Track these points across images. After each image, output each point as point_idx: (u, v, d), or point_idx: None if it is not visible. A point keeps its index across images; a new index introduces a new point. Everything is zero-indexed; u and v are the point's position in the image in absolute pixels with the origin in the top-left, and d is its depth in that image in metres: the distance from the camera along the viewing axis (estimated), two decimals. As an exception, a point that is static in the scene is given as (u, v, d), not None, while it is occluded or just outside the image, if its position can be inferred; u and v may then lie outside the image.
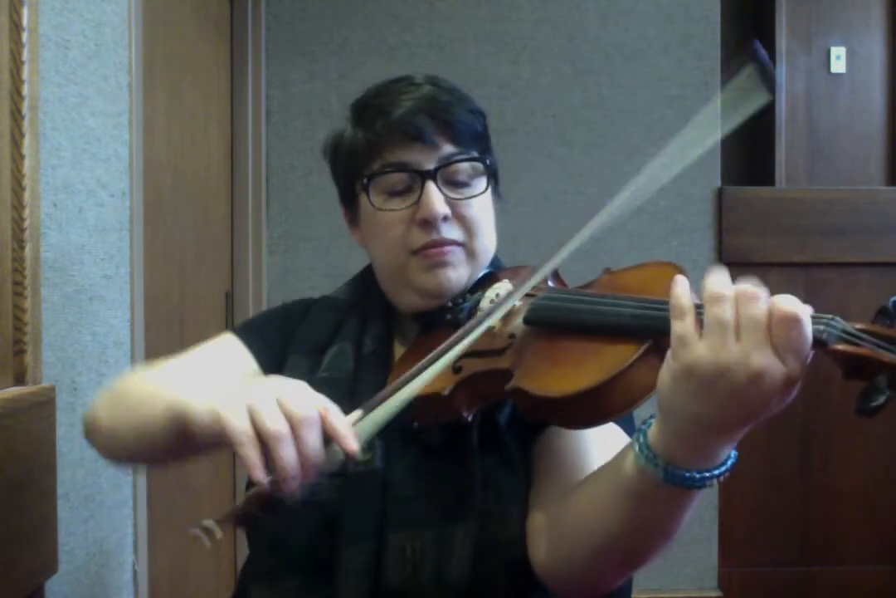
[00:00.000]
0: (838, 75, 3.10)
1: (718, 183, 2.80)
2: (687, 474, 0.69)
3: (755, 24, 3.21)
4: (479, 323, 0.84)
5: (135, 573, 1.52)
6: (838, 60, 3.09)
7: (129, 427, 0.90)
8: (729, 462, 0.71)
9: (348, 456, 0.73)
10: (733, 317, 0.65)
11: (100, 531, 1.36)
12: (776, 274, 2.83)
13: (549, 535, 0.85)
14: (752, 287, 0.65)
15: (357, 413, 0.78)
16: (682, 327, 0.67)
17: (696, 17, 2.76)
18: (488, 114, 1.05)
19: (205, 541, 0.75)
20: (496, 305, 0.88)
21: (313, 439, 0.71)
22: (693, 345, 0.65)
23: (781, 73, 3.06)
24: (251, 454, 0.70)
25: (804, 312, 0.64)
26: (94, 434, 0.97)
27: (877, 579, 2.84)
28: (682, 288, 0.68)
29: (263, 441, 0.70)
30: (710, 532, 2.73)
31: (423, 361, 0.82)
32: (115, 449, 0.96)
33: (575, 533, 0.81)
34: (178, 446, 0.85)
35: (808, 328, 0.63)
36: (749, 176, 3.18)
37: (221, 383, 0.84)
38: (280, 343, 1.04)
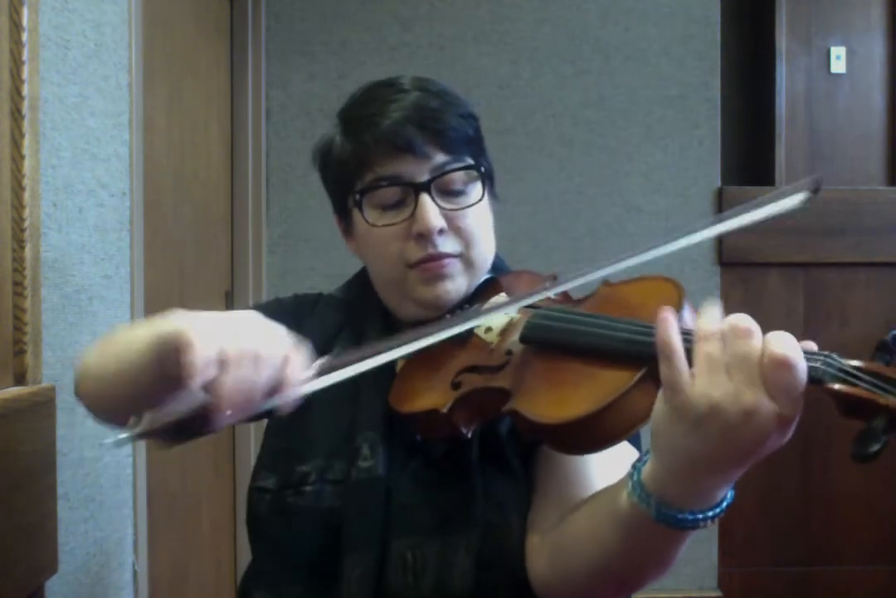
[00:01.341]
0: (838, 75, 3.10)
1: (718, 183, 2.80)
2: (679, 516, 0.68)
3: (755, 24, 3.21)
4: (470, 319, 0.85)
5: (135, 573, 1.52)
6: (838, 60, 3.09)
7: (115, 360, 0.84)
8: (724, 504, 0.69)
9: (281, 408, 0.71)
10: (723, 354, 0.64)
11: (100, 531, 1.36)
12: (776, 274, 2.83)
13: (547, 553, 0.85)
14: (742, 323, 0.64)
15: (320, 362, 0.76)
16: (670, 367, 0.66)
17: (696, 17, 2.76)
18: (488, 114, 1.04)
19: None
20: (492, 308, 0.88)
21: (260, 381, 0.69)
22: (684, 384, 0.64)
23: (781, 73, 3.05)
24: (199, 358, 0.66)
25: (797, 354, 0.62)
26: (83, 384, 0.93)
27: (877, 579, 2.84)
28: (667, 327, 0.67)
29: (218, 361, 0.67)
30: (710, 532, 2.74)
31: (410, 336, 0.82)
32: (100, 393, 0.90)
33: (572, 554, 0.81)
34: (159, 376, 0.78)
35: (802, 371, 0.62)
36: (749, 176, 3.18)
37: None
38: (293, 324, 1.03)
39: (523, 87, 2.74)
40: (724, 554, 2.77)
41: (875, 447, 0.58)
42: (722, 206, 2.78)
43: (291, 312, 1.07)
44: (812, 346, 0.65)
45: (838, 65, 3.09)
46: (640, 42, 2.75)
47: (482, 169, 0.98)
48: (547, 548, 0.85)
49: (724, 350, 0.64)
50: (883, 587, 2.83)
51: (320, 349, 1.01)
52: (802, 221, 2.82)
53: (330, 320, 1.05)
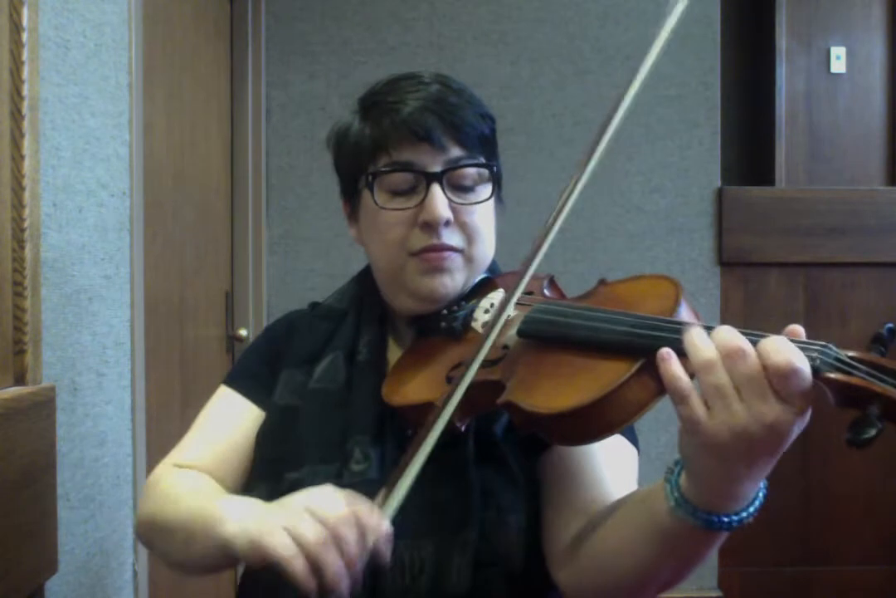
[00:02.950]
0: (838, 75, 3.10)
1: (718, 183, 2.80)
2: (726, 519, 0.69)
3: (755, 24, 3.21)
4: (478, 354, 0.84)
5: (135, 573, 1.52)
6: (838, 60, 3.09)
7: (185, 558, 0.92)
8: (761, 494, 0.71)
9: (383, 541, 0.75)
10: (727, 380, 0.64)
11: (100, 531, 1.36)
12: (776, 274, 2.83)
13: (574, 563, 0.85)
14: (730, 342, 0.64)
15: (382, 492, 0.79)
16: (687, 410, 0.66)
17: (696, 17, 2.76)
18: (492, 114, 1.05)
19: None
20: (491, 325, 0.87)
21: (352, 539, 0.73)
22: (704, 421, 0.65)
23: (781, 73, 3.06)
24: (300, 569, 0.72)
25: (798, 357, 0.63)
26: (151, 549, 1.01)
27: (877, 579, 2.84)
28: (675, 368, 0.67)
29: (307, 554, 0.72)
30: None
31: (431, 420, 0.81)
32: (170, 565, 0.99)
33: (605, 568, 0.81)
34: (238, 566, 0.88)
35: (807, 370, 0.63)
36: (749, 176, 3.18)
37: (250, 503, 0.85)
38: (270, 373, 1.05)
39: (523, 87, 2.74)
40: (724, 554, 2.77)
41: (871, 433, 0.59)
42: (722, 206, 2.78)
43: (265, 353, 1.08)
44: (801, 332, 0.66)
45: (838, 65, 3.09)
46: (640, 42, 2.75)
47: (494, 169, 0.99)
48: (574, 557, 0.85)
49: (727, 376, 0.64)
50: (883, 587, 2.83)
51: (309, 362, 1.02)
52: (802, 221, 2.82)
53: (317, 332, 1.05)
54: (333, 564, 0.72)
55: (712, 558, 2.75)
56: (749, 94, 3.22)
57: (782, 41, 3.05)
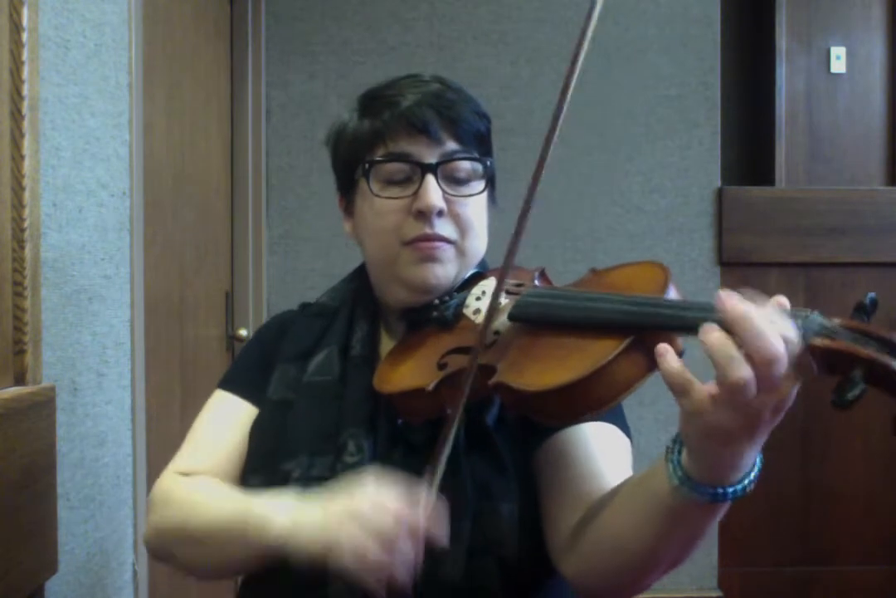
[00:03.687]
0: (838, 75, 3.10)
1: (718, 183, 2.80)
2: (730, 490, 0.70)
3: (755, 24, 3.21)
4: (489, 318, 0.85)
5: (135, 573, 1.52)
6: (838, 60, 3.09)
7: (216, 564, 0.96)
8: (758, 460, 0.72)
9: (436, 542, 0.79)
10: (753, 382, 0.63)
11: (100, 531, 1.36)
12: (776, 274, 2.83)
13: (577, 552, 0.85)
14: (769, 350, 0.62)
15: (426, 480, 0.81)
16: (689, 402, 0.66)
17: (696, 17, 2.76)
18: (488, 114, 1.05)
19: None
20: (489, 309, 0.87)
21: (411, 554, 0.77)
22: (709, 413, 0.65)
23: (781, 73, 3.06)
24: (378, 587, 0.78)
25: (789, 329, 0.64)
26: (169, 560, 1.04)
27: (877, 579, 2.84)
28: (673, 363, 0.67)
29: (375, 559, 0.77)
30: (711, 532, 2.73)
31: (446, 429, 0.82)
32: (195, 573, 1.05)
33: (608, 554, 0.81)
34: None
35: (795, 337, 0.63)
36: (749, 176, 3.18)
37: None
38: (263, 373, 1.05)
39: (523, 87, 2.74)
40: (724, 554, 2.77)
41: (855, 392, 0.60)
42: (722, 206, 2.78)
43: (258, 355, 1.09)
44: (786, 303, 0.67)
45: (838, 65, 3.09)
46: (640, 42, 2.75)
47: (488, 164, 1.01)
48: (579, 547, 0.85)
49: (755, 380, 0.63)
50: (883, 587, 2.83)
51: (303, 358, 1.03)
52: (802, 221, 2.82)
53: (311, 329, 1.06)
54: (397, 579, 0.77)
55: (712, 558, 2.75)
56: (749, 94, 3.22)
57: (782, 41, 3.05)
